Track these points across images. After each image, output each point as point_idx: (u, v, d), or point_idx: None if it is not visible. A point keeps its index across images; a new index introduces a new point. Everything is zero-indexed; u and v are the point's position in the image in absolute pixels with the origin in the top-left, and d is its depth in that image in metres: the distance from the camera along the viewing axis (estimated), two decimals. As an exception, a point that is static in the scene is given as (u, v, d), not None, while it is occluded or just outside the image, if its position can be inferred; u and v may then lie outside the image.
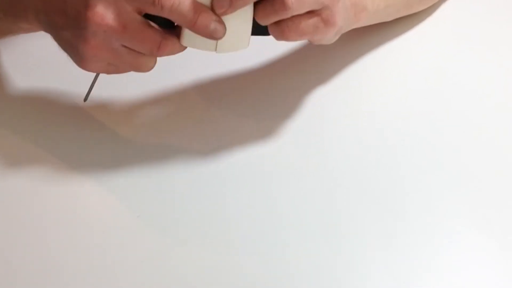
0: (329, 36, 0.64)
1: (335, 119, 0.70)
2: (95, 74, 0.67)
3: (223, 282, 0.58)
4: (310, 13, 0.60)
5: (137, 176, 0.66)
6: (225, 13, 0.58)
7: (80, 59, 0.61)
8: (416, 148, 0.67)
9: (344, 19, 0.64)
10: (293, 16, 0.59)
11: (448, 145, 0.67)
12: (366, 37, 0.75)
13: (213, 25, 0.58)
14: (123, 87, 0.73)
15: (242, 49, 0.61)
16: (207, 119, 0.71)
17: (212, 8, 0.58)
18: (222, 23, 0.59)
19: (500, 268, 0.58)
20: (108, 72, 0.63)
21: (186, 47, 0.61)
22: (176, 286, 0.59)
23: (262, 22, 0.60)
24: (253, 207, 0.63)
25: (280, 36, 0.61)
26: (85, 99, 0.69)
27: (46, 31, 0.64)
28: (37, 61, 0.76)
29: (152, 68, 0.62)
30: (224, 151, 0.67)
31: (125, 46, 0.60)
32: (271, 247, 0.60)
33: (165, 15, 0.58)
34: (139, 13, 0.59)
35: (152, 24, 0.59)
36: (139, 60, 0.61)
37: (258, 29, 0.60)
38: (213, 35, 0.59)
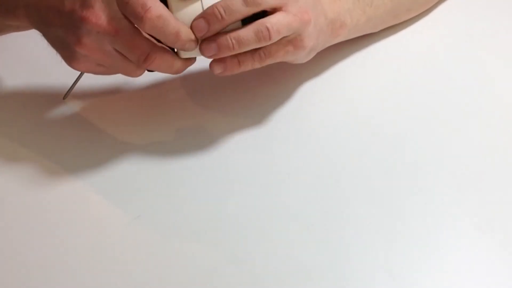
0: (301, 57, 0.66)
1: (329, 116, 0.70)
2: (79, 73, 0.67)
3: (223, 281, 0.59)
4: (281, 39, 0.63)
5: (137, 176, 0.66)
6: (212, 57, 0.62)
7: (70, 57, 0.62)
8: (416, 148, 0.67)
9: (317, 39, 0.66)
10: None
11: (449, 145, 0.67)
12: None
13: (188, 44, 0.61)
14: (116, 87, 0.74)
15: None
16: (199, 117, 0.71)
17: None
18: (196, 41, 0.61)
19: (500, 268, 0.58)
20: (96, 73, 0.64)
21: (180, 72, 0.63)
22: (176, 285, 0.59)
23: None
24: (253, 206, 0.63)
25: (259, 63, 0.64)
26: (65, 97, 0.69)
27: (35, 27, 0.64)
28: (24, 58, 0.76)
29: (140, 75, 0.64)
30: (223, 150, 0.68)
31: (116, 50, 0.61)
32: (270, 246, 0.61)
33: (146, 31, 0.60)
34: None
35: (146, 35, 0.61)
36: (128, 66, 0.62)
37: None
38: (188, 50, 0.62)
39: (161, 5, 0.59)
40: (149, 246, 0.61)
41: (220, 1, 0.60)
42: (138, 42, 0.60)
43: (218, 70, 0.63)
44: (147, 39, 0.60)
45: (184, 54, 0.63)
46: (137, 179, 0.66)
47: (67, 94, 0.69)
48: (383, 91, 0.72)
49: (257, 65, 0.64)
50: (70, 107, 0.72)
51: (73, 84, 0.67)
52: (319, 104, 0.71)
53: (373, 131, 0.69)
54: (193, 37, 0.61)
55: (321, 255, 0.59)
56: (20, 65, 0.77)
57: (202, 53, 0.62)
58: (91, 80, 0.71)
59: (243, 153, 0.67)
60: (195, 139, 0.69)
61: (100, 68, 0.63)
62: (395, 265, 0.59)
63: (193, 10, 0.61)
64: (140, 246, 0.61)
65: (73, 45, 0.60)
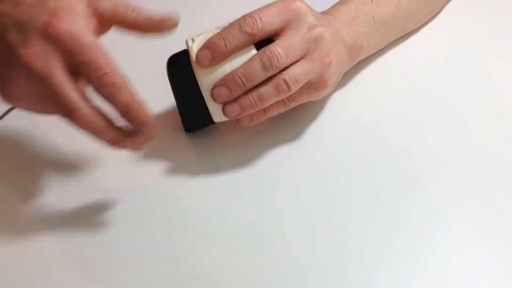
0: (324, 93, 0.66)
1: (337, 120, 0.69)
2: None
3: (223, 281, 0.59)
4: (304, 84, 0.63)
5: (137, 176, 0.66)
6: (236, 117, 0.62)
7: (4, 93, 0.57)
8: (417, 149, 0.67)
9: (339, 73, 0.67)
10: None
11: (449, 146, 0.67)
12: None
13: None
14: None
15: None
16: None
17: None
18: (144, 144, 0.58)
19: (501, 268, 0.58)
20: (35, 112, 0.59)
21: (112, 145, 0.57)
22: (176, 285, 0.59)
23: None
24: (253, 206, 0.64)
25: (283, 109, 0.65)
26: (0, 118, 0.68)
27: None
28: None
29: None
30: (225, 151, 0.68)
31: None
32: (270, 246, 0.61)
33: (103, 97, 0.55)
34: (69, 70, 0.55)
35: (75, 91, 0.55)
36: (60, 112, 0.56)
37: None
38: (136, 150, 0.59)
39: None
40: (149, 245, 0.61)
41: (240, 68, 0.61)
42: (64, 94, 0.54)
43: (244, 122, 0.64)
44: (78, 94, 0.55)
45: (216, 118, 0.64)
46: (137, 179, 0.66)
47: (2, 117, 0.67)
48: (384, 95, 0.72)
49: (282, 110, 0.65)
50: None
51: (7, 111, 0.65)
52: (324, 111, 0.70)
53: (374, 133, 0.68)
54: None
55: (322, 255, 0.59)
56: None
57: (227, 115, 0.62)
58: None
59: (245, 154, 0.67)
60: (198, 140, 0.69)
61: (38, 108, 0.58)
62: (395, 265, 0.59)
63: (218, 73, 0.62)
64: (140, 246, 0.61)
65: (7, 83, 0.56)
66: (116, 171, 0.66)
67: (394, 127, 0.69)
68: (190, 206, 0.64)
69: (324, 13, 0.68)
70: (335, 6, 0.70)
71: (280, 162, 0.66)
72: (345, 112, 0.70)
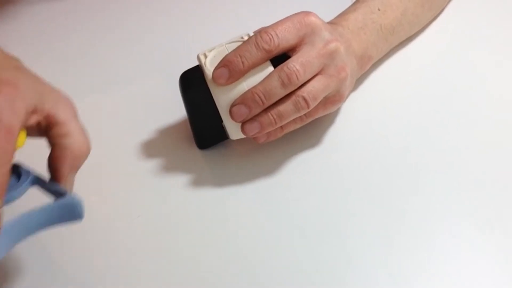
0: (338, 106, 0.66)
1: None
2: None
3: (224, 282, 0.59)
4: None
5: (137, 176, 0.66)
6: (256, 135, 0.62)
7: None
8: (417, 149, 0.67)
9: (352, 84, 0.67)
10: None
11: (449, 146, 0.67)
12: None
13: None
14: (123, 90, 0.74)
15: None
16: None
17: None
18: None
19: (501, 268, 0.58)
20: None
21: None
22: (176, 284, 0.59)
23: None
24: (253, 205, 0.64)
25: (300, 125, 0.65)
26: None
27: None
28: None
29: None
30: (224, 151, 0.68)
31: None
32: (269, 247, 0.61)
33: None
34: None
35: None
36: None
37: None
38: None
39: None
40: (149, 245, 0.61)
41: (258, 86, 0.60)
42: None
43: (262, 139, 0.64)
44: None
45: (233, 136, 0.63)
46: (137, 179, 0.66)
47: None
48: (384, 97, 0.72)
49: (298, 126, 0.65)
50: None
51: None
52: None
53: (374, 133, 0.69)
54: None
55: (321, 255, 0.60)
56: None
57: (246, 134, 0.62)
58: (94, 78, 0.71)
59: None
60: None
61: None
62: (395, 265, 0.59)
63: (235, 91, 0.61)
64: (140, 246, 0.61)
65: None
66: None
67: (395, 126, 0.69)
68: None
69: (332, 23, 0.68)
70: (342, 15, 0.70)
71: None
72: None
